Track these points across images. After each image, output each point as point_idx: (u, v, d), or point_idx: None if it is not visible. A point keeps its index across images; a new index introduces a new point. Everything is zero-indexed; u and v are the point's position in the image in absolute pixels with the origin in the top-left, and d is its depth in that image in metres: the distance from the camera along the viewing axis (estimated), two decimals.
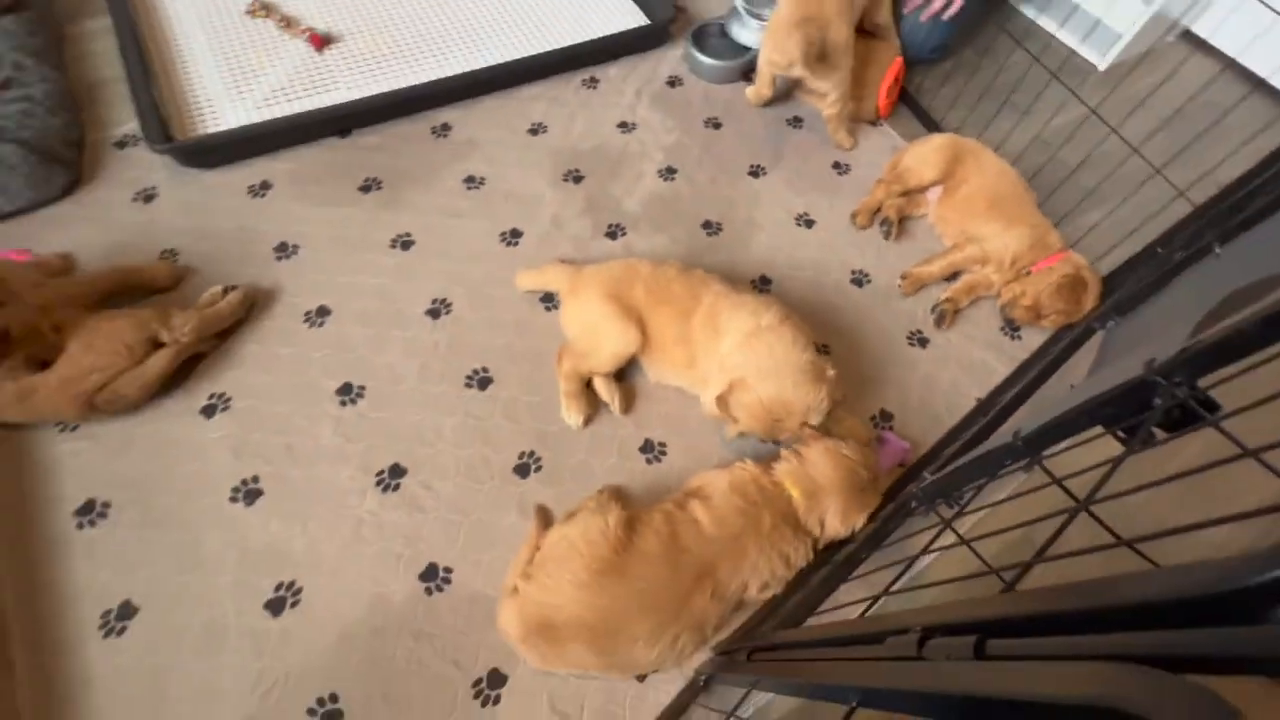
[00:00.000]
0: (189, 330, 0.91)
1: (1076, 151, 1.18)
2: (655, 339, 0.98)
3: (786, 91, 1.40)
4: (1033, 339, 1.15)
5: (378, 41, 1.34)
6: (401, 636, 0.80)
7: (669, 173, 1.28)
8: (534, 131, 1.29)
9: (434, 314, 1.05)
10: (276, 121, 1.17)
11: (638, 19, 1.47)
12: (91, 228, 1.05)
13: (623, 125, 1.33)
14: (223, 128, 1.16)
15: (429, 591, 0.84)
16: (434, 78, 1.27)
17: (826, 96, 1.28)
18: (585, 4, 1.49)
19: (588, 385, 1.00)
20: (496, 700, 0.78)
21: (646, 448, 0.98)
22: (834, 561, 0.81)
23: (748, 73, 1.42)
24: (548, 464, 0.94)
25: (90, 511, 0.84)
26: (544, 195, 1.21)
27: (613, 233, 1.18)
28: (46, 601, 0.78)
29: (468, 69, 1.30)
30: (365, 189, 1.17)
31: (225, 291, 0.98)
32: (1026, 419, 0.58)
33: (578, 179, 1.24)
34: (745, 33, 1.43)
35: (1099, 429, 0.52)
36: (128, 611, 0.78)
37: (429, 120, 1.27)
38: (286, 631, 0.79)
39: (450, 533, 0.88)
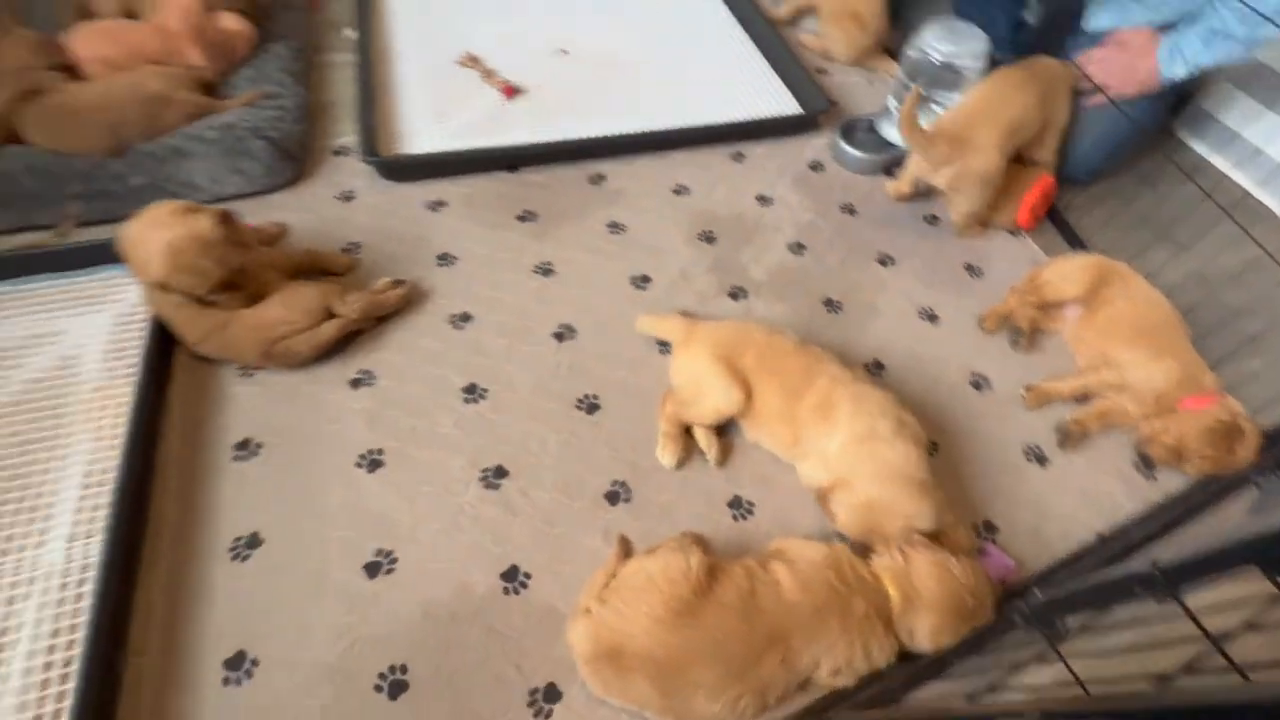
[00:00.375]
0: (358, 308, 1.04)
1: (1240, 294, 1.11)
2: (758, 407, 0.98)
3: (927, 190, 1.42)
4: (1169, 481, 1.06)
5: (557, 97, 1.52)
6: (475, 627, 0.84)
7: (798, 248, 1.33)
8: (678, 192, 1.40)
9: (559, 337, 1.14)
10: (462, 152, 1.36)
11: (792, 106, 1.58)
12: (300, 215, 1.25)
13: (761, 199, 1.41)
14: (419, 151, 1.36)
15: (507, 591, 0.87)
16: (599, 134, 1.42)
17: (954, 205, 1.30)
18: (744, 87, 1.62)
19: (687, 432, 1.03)
20: (549, 715, 0.79)
21: (735, 503, 0.98)
22: (921, 662, 0.77)
23: (890, 168, 1.47)
24: (637, 497, 0.97)
25: (246, 448, 0.96)
26: (677, 250, 1.29)
27: (735, 294, 1.24)
28: (195, 517, 0.89)
29: (629, 130, 1.44)
30: (522, 219, 1.30)
31: (394, 284, 1.12)
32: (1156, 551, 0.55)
33: (710, 239, 1.32)
34: (893, 131, 1.48)
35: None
36: (254, 542, 0.88)
37: (588, 169, 1.41)
38: (377, 595, 0.85)
39: (538, 540, 0.92)
